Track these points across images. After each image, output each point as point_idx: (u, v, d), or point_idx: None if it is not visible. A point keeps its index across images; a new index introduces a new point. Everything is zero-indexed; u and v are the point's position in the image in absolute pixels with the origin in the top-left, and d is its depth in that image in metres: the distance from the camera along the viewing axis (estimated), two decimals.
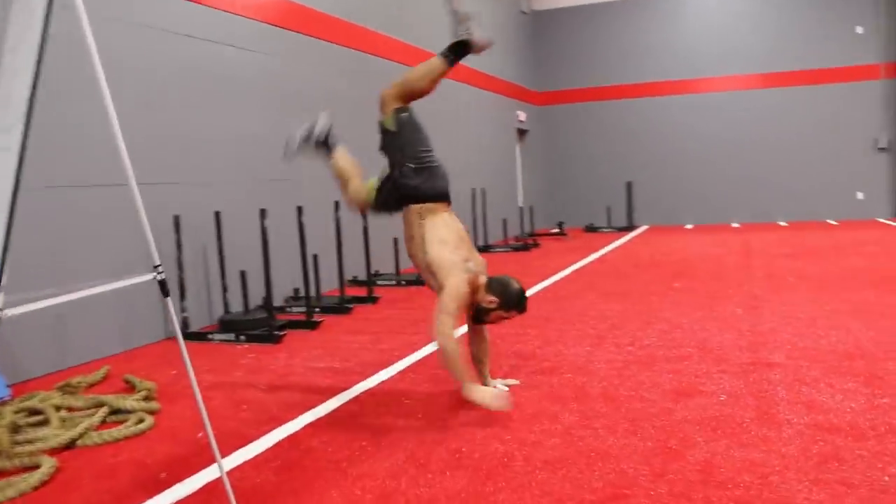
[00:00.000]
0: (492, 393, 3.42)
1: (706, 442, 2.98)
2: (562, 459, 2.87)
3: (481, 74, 12.54)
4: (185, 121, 5.92)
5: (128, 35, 5.35)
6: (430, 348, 4.92)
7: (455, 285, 3.43)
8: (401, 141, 3.66)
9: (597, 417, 3.36)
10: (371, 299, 6.97)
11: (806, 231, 12.80)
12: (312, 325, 5.80)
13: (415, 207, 3.61)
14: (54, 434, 3.30)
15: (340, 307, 6.49)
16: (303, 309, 6.27)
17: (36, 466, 2.98)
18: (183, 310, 5.62)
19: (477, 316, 3.62)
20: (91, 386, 4.29)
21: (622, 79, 16.07)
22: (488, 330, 3.87)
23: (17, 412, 3.62)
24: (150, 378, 4.27)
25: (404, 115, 3.68)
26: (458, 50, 3.63)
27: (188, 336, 5.51)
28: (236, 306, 6.14)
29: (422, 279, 7.80)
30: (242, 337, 5.40)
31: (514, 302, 3.58)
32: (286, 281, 6.81)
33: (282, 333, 5.43)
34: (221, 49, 6.34)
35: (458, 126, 11.49)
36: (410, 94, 3.71)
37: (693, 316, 5.61)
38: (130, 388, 4.15)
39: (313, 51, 7.66)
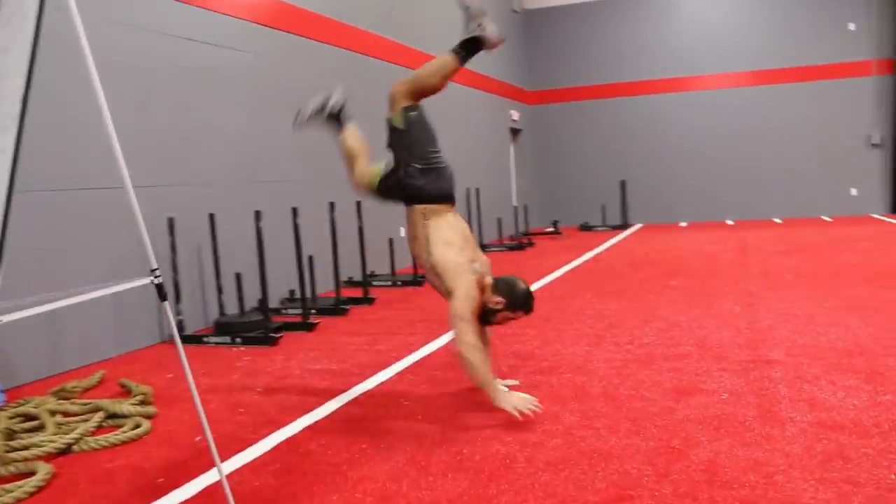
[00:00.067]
0: (519, 398, 3.31)
1: (709, 441, 2.96)
2: (564, 460, 2.84)
3: (474, 74, 12.51)
4: (179, 122, 5.88)
5: (119, 36, 5.30)
6: (427, 349, 4.89)
7: (465, 289, 3.39)
8: (408, 139, 3.59)
9: (598, 417, 3.33)
10: (367, 300, 6.93)
11: (800, 228, 12.82)
12: (309, 327, 5.76)
13: (419, 208, 3.56)
14: (50, 440, 3.25)
15: (336, 308, 6.46)
16: (299, 310, 6.23)
17: (31, 473, 2.94)
18: (178, 312, 5.58)
19: (483, 317, 3.55)
20: (86, 390, 4.24)
21: (615, 77, 16.06)
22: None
23: (11, 418, 3.58)
24: (146, 382, 4.23)
25: (413, 113, 3.60)
26: (470, 46, 3.55)
27: (183, 339, 5.41)
28: (231, 308, 6.10)
29: (418, 280, 7.84)
30: (238, 339, 5.36)
31: (520, 302, 3.54)
32: (281, 282, 6.77)
33: (278, 335, 5.39)
34: (213, 50, 6.30)
35: (452, 126, 11.43)
36: (421, 92, 3.64)
37: (690, 314, 5.59)
38: (126, 392, 4.11)
39: (305, 51, 7.62)
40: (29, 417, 3.61)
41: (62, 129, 4.74)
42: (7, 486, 2.81)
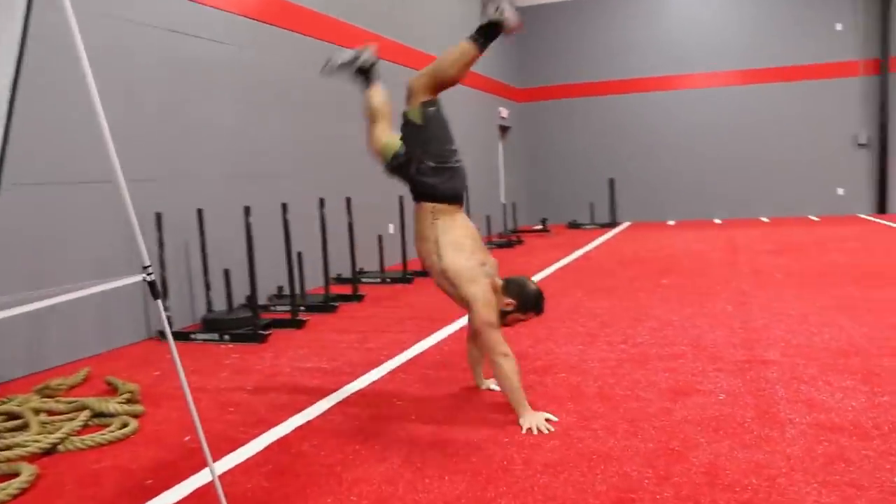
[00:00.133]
0: (541, 420, 3.22)
1: (708, 443, 2.92)
2: (562, 462, 2.79)
3: None
4: (165, 116, 5.78)
5: (105, 29, 5.20)
6: (419, 347, 4.84)
7: (483, 294, 3.31)
8: (425, 136, 3.44)
9: (594, 418, 3.29)
10: (356, 297, 6.86)
11: (788, 227, 12.85)
12: (298, 324, 5.69)
13: (428, 206, 3.43)
14: (34, 439, 3.17)
15: (326, 305, 6.38)
16: (287, 307, 6.16)
17: (15, 474, 2.86)
18: (166, 309, 5.48)
19: None
20: (71, 388, 4.15)
21: (604, 75, 16.05)
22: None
23: None
24: (133, 379, 4.15)
25: (432, 108, 3.45)
26: (489, 32, 3.34)
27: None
28: (219, 305, 6.01)
29: (407, 277, 7.78)
30: (226, 336, 5.28)
31: (531, 303, 3.47)
32: (269, 278, 6.69)
33: (267, 333, 5.31)
34: (200, 43, 6.20)
35: None
36: (441, 83, 3.46)
37: (683, 313, 5.56)
38: (112, 390, 4.03)
39: (293, 44, 7.52)
40: (12, 416, 3.51)
41: (44, 122, 4.64)
42: None
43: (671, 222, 15.16)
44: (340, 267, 7.68)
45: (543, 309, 3.54)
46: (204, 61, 6.21)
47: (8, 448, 3.09)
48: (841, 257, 8.47)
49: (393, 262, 8.59)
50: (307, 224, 6.80)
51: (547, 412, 3.31)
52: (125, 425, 3.40)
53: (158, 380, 4.30)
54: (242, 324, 5.40)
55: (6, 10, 1.89)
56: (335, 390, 3.92)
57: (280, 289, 6.92)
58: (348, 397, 3.81)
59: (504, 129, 15.56)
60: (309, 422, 3.42)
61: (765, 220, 14.68)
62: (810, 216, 14.77)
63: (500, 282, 3.46)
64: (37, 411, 3.56)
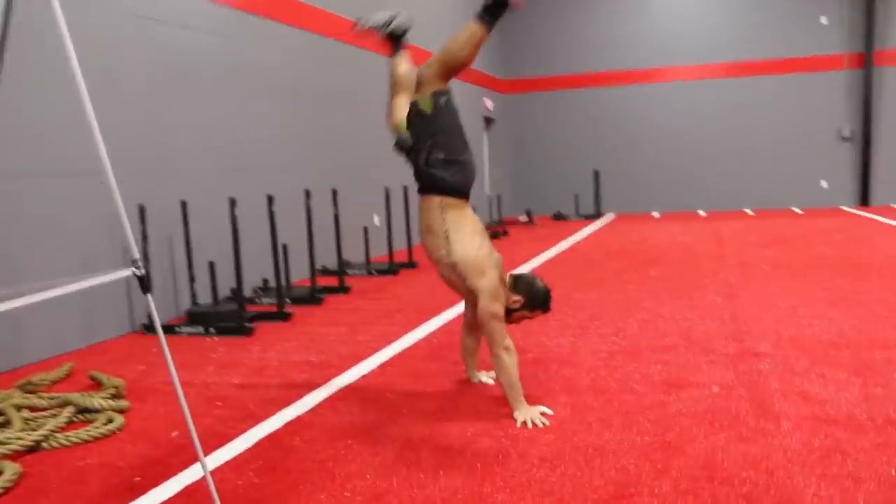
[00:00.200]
0: (536, 414, 3.17)
1: (705, 436, 2.90)
2: (559, 456, 2.76)
3: None
4: (149, 107, 5.67)
5: (87, 18, 5.09)
6: (407, 341, 4.79)
7: (491, 287, 3.25)
8: (435, 126, 3.35)
9: (589, 411, 3.26)
10: (342, 289, 6.80)
11: (772, 219, 12.90)
12: (284, 317, 5.62)
13: (436, 199, 3.35)
14: (17, 436, 3.09)
15: (312, 297, 6.32)
16: (273, 300, 6.08)
17: None
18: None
19: None
20: (54, 383, 4.07)
21: (589, 67, 16.01)
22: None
23: None
24: (117, 374, 4.07)
25: (443, 98, 3.35)
26: (494, 10, 3.24)
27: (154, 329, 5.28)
28: (204, 298, 5.93)
29: (393, 269, 7.72)
30: (212, 329, 5.20)
31: (539, 301, 3.42)
32: (254, 271, 6.60)
33: (253, 325, 5.24)
34: (185, 34, 6.09)
35: None
36: (453, 68, 3.36)
37: (673, 305, 5.55)
38: (97, 385, 3.95)
39: (279, 37, 7.43)
40: None
41: (23, 112, 4.54)
42: None
43: (656, 214, 15.18)
44: (325, 259, 7.61)
45: (550, 307, 3.49)
46: (189, 52, 6.11)
47: None
48: (827, 249, 8.50)
49: (379, 253, 8.52)
50: (293, 216, 6.72)
51: (541, 405, 3.27)
52: (111, 421, 3.33)
53: (143, 374, 4.22)
54: (228, 316, 5.33)
55: None
56: (324, 384, 3.87)
57: (265, 281, 6.84)
58: (338, 391, 3.75)
59: (489, 121, 15.49)
60: (299, 416, 3.37)
61: (749, 212, 14.73)
62: (794, 208, 14.84)
63: (507, 277, 3.42)
64: (19, 408, 3.48)
